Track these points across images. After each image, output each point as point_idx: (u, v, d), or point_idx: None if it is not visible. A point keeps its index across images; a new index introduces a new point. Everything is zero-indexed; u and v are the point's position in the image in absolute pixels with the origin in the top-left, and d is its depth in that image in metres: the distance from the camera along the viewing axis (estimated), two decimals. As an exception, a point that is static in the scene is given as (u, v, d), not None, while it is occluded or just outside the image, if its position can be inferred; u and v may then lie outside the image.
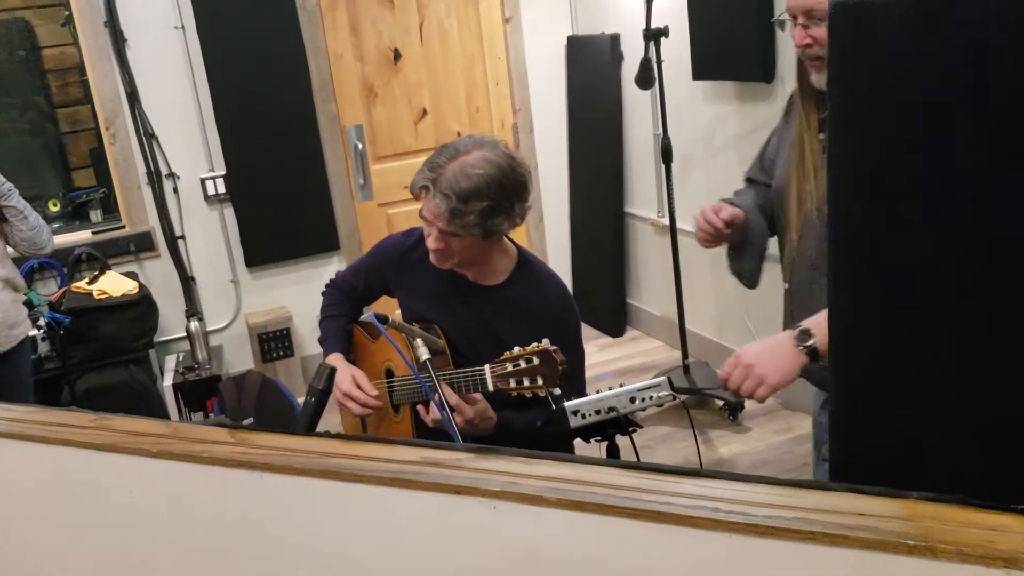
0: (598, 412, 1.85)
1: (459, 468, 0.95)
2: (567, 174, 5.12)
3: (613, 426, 1.89)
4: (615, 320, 5.02)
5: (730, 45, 3.62)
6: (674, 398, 1.85)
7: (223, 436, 1.11)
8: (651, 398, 1.89)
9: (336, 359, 2.28)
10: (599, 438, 1.91)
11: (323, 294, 2.47)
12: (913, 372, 0.92)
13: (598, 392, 1.88)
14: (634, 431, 1.92)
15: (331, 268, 4.46)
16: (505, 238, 2.21)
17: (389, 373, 2.29)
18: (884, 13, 0.79)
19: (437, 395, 1.86)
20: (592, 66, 4.68)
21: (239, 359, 4.56)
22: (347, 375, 2.20)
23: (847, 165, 0.90)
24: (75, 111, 5.63)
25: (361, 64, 4.58)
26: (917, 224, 0.86)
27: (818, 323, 1.67)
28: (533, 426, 2.02)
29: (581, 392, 2.18)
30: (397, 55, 4.63)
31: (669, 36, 3.74)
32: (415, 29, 4.64)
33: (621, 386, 1.89)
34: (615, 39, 4.43)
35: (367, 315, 1.85)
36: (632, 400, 1.88)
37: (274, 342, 4.42)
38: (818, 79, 1.80)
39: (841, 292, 0.97)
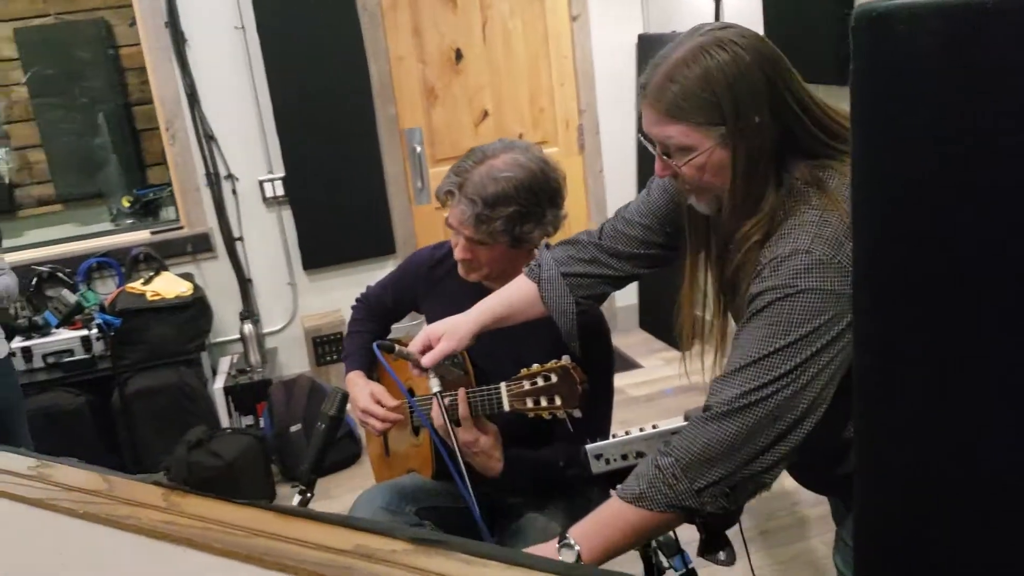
0: (624, 457, 1.67)
1: (392, 564, 0.80)
2: (635, 176, 4.92)
3: (642, 470, 1.71)
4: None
5: (805, 45, 3.38)
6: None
7: (156, 499, 0.99)
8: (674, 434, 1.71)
9: (356, 376, 2.18)
10: (626, 484, 1.73)
11: (352, 308, 2.37)
12: (969, 485, 0.73)
13: (627, 433, 1.71)
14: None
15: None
16: (536, 249, 2.06)
17: (412, 393, 2.16)
18: (915, 26, 0.61)
19: (437, 424, 1.72)
20: (662, 66, 4.47)
21: (294, 362, 4.51)
22: (365, 392, 2.09)
23: (872, 209, 0.72)
24: (151, 108, 5.69)
25: (422, 65, 4.47)
26: (958, 277, 0.67)
27: (584, 533, 1.42)
28: (552, 467, 1.87)
29: (606, 425, 2.01)
30: (459, 56, 4.51)
31: (739, 37, 3.52)
32: (478, 29, 4.51)
33: (654, 427, 1.71)
34: (686, 38, 4.21)
35: (374, 344, 1.71)
36: (667, 444, 1.70)
37: (328, 345, 4.35)
38: (696, 202, 1.49)
39: (867, 366, 0.78)
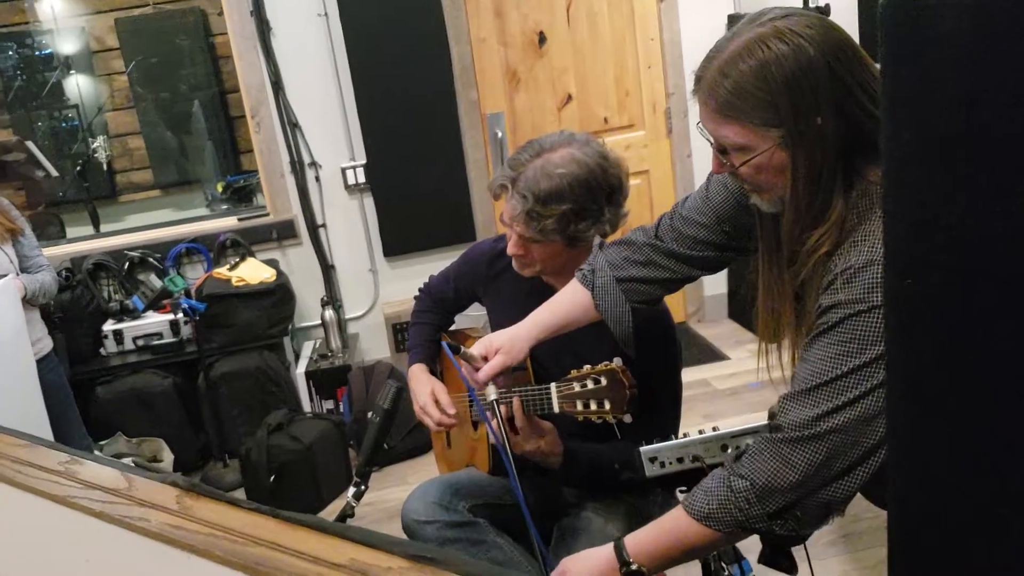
0: (680, 460, 1.60)
1: (383, 584, 0.76)
2: (724, 163, 4.76)
3: (700, 475, 1.63)
4: (771, 322, 4.64)
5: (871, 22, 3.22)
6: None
7: (170, 501, 0.97)
8: (747, 446, 1.62)
9: (419, 370, 2.15)
10: (684, 488, 1.66)
11: (415, 299, 2.35)
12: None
13: (685, 435, 1.63)
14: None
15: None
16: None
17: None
18: (946, 9, 0.53)
19: (495, 424, 1.67)
20: (752, 47, 4.31)
21: (375, 348, 4.55)
22: (426, 389, 2.06)
23: (903, 219, 0.64)
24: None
25: (504, 48, 4.42)
26: (997, 297, 0.59)
27: (644, 547, 1.38)
28: (609, 466, 1.80)
29: (670, 426, 1.93)
30: (542, 38, 4.44)
31: (830, 15, 3.36)
32: (562, 11, 4.43)
33: (714, 430, 1.63)
34: (776, 17, 4.06)
35: (443, 342, 1.68)
36: (724, 448, 1.62)
37: (407, 332, 4.35)
38: (759, 201, 1.38)
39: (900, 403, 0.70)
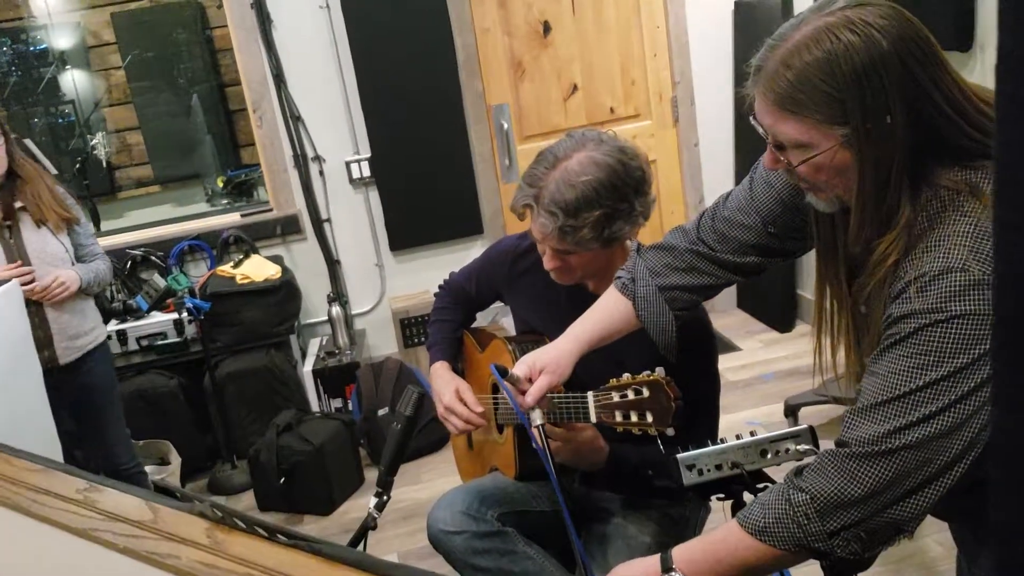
0: (719, 467, 1.54)
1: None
2: (732, 149, 4.70)
3: (739, 482, 1.57)
4: (784, 313, 4.59)
5: (919, 7, 3.12)
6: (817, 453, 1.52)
7: (199, 535, 0.91)
8: (787, 451, 1.56)
9: (441, 369, 2.10)
10: (721, 495, 1.60)
11: (436, 295, 2.29)
12: None
13: (723, 441, 1.57)
14: (766, 489, 1.60)
15: (474, 252, 4.28)
16: (629, 241, 1.92)
17: (496, 388, 2.06)
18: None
19: (536, 432, 1.60)
20: (762, 34, 4.17)
21: (382, 343, 4.49)
22: (451, 387, 2.00)
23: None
24: (242, 89, 5.72)
25: (509, 38, 4.34)
26: None
27: (692, 559, 1.31)
28: (646, 471, 1.74)
29: (712, 432, 1.87)
30: (547, 28, 4.36)
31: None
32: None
33: (752, 435, 1.57)
34: (787, 4, 3.97)
35: (491, 365, 1.60)
36: (763, 454, 1.56)
37: (416, 327, 4.29)
38: (815, 200, 1.31)
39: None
